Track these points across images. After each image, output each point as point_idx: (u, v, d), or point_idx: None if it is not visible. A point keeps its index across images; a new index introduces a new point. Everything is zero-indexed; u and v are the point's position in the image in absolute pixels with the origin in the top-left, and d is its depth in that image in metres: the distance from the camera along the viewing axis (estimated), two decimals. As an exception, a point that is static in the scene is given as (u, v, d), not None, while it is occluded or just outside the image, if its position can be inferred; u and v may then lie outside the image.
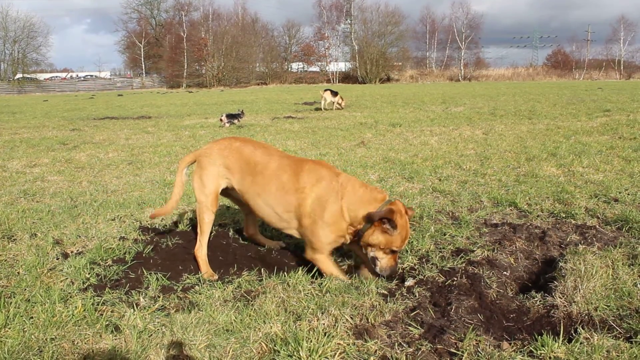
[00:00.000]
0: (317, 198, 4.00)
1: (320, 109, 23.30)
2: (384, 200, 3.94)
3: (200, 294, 3.81)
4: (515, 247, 4.61)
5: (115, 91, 70.82)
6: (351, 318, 3.30)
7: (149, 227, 5.52)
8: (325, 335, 3.03)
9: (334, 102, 23.22)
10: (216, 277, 4.28)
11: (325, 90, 23.73)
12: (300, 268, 4.18)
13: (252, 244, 5.03)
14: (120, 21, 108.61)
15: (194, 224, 5.58)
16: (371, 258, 3.99)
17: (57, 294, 3.70)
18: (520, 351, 2.89)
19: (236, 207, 6.20)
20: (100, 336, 3.16)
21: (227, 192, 4.62)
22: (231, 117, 17.03)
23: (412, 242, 4.87)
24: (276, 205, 4.18)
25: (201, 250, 4.47)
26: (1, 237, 5.15)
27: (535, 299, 3.58)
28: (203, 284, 4.04)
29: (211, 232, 5.18)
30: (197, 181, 4.47)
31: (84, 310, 3.47)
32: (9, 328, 3.23)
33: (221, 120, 16.93)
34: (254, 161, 4.31)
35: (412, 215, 4.03)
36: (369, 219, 3.84)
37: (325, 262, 4.11)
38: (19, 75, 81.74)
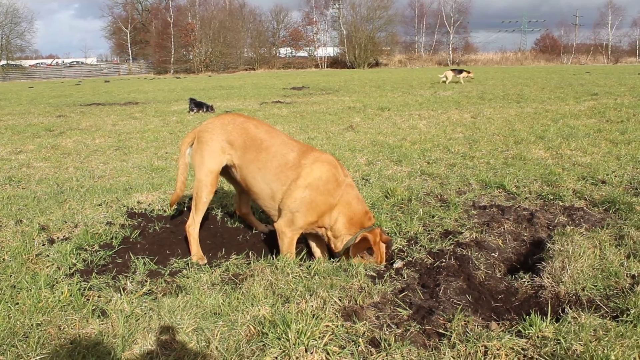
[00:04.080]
0: (318, 178, 3.97)
1: (444, 83, 28.66)
2: (368, 224, 4.03)
3: (187, 277, 3.78)
4: (504, 228, 4.62)
5: (102, 77, 70.01)
6: (339, 300, 3.29)
7: (136, 212, 5.47)
8: (313, 317, 3.01)
9: (458, 78, 28.97)
10: (205, 261, 4.25)
11: (450, 69, 30.21)
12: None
13: (240, 228, 5.01)
14: (106, 6, 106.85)
15: (181, 208, 5.54)
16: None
17: (43, 280, 3.67)
18: (509, 331, 2.89)
19: (225, 189, 6.17)
20: (87, 321, 3.14)
21: (224, 168, 4.51)
22: (197, 104, 16.51)
23: (400, 224, 4.87)
24: (273, 181, 4.12)
25: (194, 228, 4.38)
26: (-14, 224, 5.09)
27: (524, 280, 3.59)
28: (191, 267, 4.01)
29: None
30: (197, 158, 4.34)
31: (70, 295, 3.43)
32: (-6, 314, 3.20)
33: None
34: (259, 138, 4.24)
35: (386, 239, 4.10)
36: (347, 251, 4.00)
37: (290, 240, 4.11)
38: (3, 62, 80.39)
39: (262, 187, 4.21)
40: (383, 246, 4.04)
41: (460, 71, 29.58)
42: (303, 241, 4.64)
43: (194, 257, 4.29)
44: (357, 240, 3.92)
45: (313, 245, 4.42)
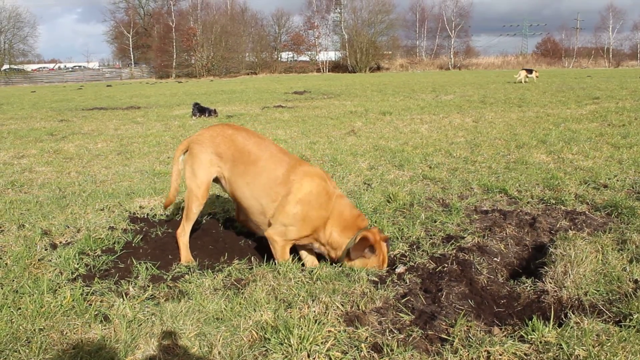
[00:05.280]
0: (309, 193, 3.96)
1: (516, 81, 31.68)
2: (363, 227, 4.01)
3: (190, 282, 3.78)
4: (506, 233, 4.61)
5: (104, 82, 70.16)
6: (342, 305, 3.29)
7: (139, 216, 5.48)
8: (316, 322, 3.01)
9: (529, 77, 31.44)
10: (195, 263, 4.28)
11: (522, 69, 33.27)
12: (290, 256, 4.16)
13: (242, 233, 5.01)
14: (108, 11, 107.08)
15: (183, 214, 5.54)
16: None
17: (45, 285, 3.67)
18: (511, 336, 2.89)
19: (227, 194, 6.17)
20: (90, 326, 3.14)
21: (217, 179, 4.53)
22: (201, 109, 16.52)
23: (402, 229, 4.87)
24: (263, 196, 4.10)
25: (184, 236, 4.41)
26: (-12, 228, 5.10)
27: (526, 285, 3.59)
28: (193, 272, 4.01)
29: (201, 221, 5.17)
30: (188, 170, 4.35)
31: (73, 300, 3.44)
32: (-3, 319, 3.20)
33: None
34: (247, 150, 4.20)
35: (385, 238, 4.06)
36: (348, 254, 3.94)
37: (282, 247, 4.10)
38: (5, 67, 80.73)
39: (251, 202, 4.21)
40: (384, 245, 4.01)
41: (531, 71, 32.40)
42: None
43: (183, 260, 4.34)
44: (356, 241, 3.90)
45: (304, 254, 4.40)
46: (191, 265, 4.23)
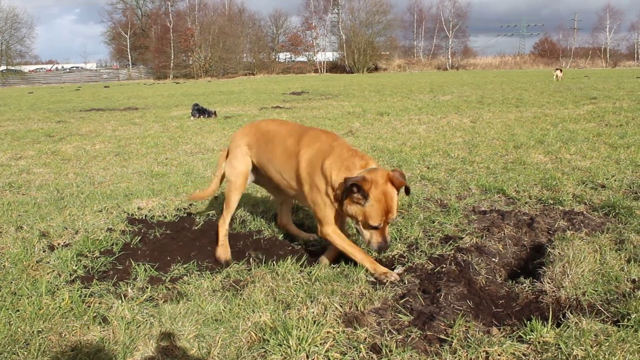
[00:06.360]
0: (309, 160, 3.98)
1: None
2: (364, 167, 3.69)
3: (188, 284, 3.78)
4: (504, 233, 4.62)
5: (102, 83, 69.94)
6: (340, 306, 3.29)
7: (137, 218, 5.47)
8: (314, 323, 3.02)
9: (559, 77, 33.63)
10: (231, 260, 4.32)
11: (556, 69, 35.94)
12: (289, 257, 4.16)
13: (241, 234, 5.01)
14: (106, 12, 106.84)
15: (181, 215, 5.55)
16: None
17: (43, 287, 3.67)
18: (510, 336, 2.89)
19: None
20: (88, 328, 3.14)
21: (255, 170, 4.64)
22: (200, 110, 16.50)
23: (400, 229, 4.86)
24: (283, 170, 4.25)
25: (224, 226, 4.59)
26: (-14, 230, 5.09)
27: (524, 285, 3.59)
28: (191, 274, 4.01)
29: (200, 223, 5.17)
30: (228, 165, 4.65)
31: (71, 302, 3.44)
32: (-5, 321, 3.19)
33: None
34: (267, 130, 4.49)
35: (399, 185, 3.65)
36: (344, 184, 3.59)
37: (334, 234, 3.95)
38: (2, 68, 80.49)
39: (277, 177, 4.37)
40: (392, 191, 3.59)
41: (561, 70, 35.52)
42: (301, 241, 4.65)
43: (221, 257, 4.38)
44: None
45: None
46: (225, 261, 4.31)
